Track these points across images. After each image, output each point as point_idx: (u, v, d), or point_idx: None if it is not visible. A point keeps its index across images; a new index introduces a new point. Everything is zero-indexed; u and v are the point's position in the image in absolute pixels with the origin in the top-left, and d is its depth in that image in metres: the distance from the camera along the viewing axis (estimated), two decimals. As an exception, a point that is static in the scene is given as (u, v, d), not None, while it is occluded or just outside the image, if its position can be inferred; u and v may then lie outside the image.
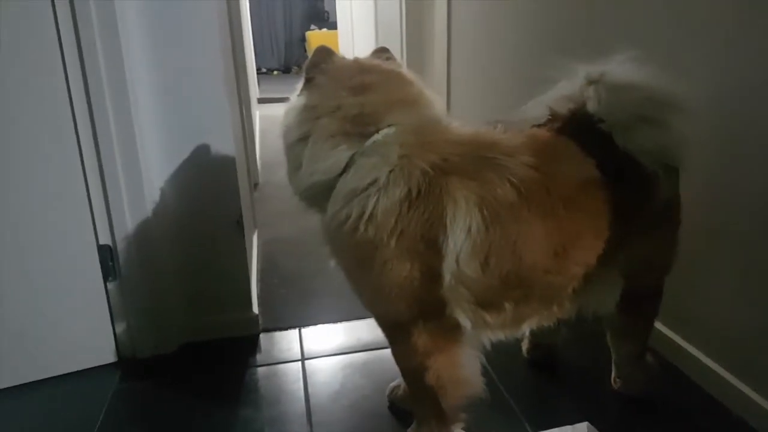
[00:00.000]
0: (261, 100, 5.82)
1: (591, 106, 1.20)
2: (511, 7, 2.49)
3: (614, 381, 1.50)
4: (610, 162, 1.16)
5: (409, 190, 1.07)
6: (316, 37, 8.75)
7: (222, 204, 1.72)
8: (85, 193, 1.55)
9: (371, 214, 1.08)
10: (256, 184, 3.40)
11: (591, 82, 1.21)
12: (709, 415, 1.43)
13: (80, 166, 1.53)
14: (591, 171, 1.15)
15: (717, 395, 1.46)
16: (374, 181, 1.09)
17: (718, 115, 1.37)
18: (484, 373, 1.25)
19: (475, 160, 1.10)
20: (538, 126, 1.29)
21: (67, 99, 1.47)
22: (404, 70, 1.28)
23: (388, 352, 1.28)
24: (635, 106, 1.17)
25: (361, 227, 1.08)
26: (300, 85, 1.24)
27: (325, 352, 1.75)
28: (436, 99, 1.25)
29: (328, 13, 9.68)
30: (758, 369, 1.37)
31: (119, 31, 1.46)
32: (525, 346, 1.66)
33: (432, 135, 1.15)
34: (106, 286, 1.65)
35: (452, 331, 1.16)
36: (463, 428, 1.27)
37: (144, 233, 1.62)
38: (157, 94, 1.58)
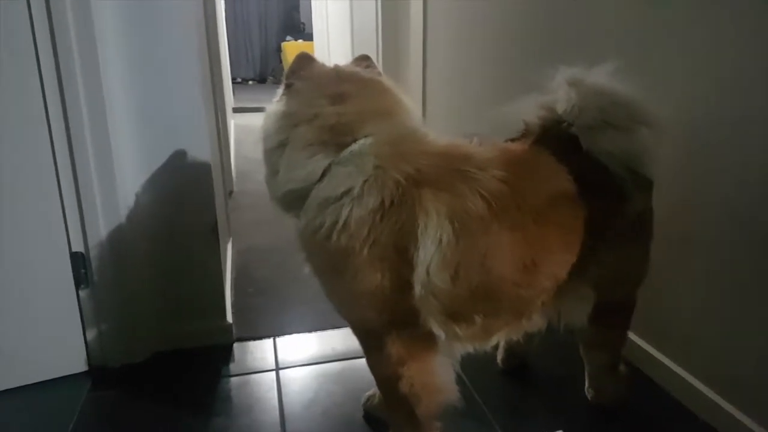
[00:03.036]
0: (236, 110, 5.79)
1: (560, 108, 1.23)
2: (488, 16, 2.53)
3: (587, 391, 1.52)
4: (583, 176, 1.18)
5: (383, 200, 1.07)
6: (291, 48, 8.76)
7: (197, 211, 1.71)
8: (58, 200, 1.53)
9: (345, 223, 1.08)
10: (230, 193, 3.38)
11: (570, 85, 1.23)
12: (678, 423, 1.46)
13: (53, 172, 1.51)
14: (562, 185, 1.17)
15: (686, 402, 1.49)
16: (348, 191, 1.09)
17: (689, 126, 1.41)
18: (458, 381, 1.25)
19: (448, 172, 1.11)
20: (512, 139, 1.31)
21: (41, 101, 1.46)
22: (383, 78, 1.28)
23: (363, 362, 1.28)
24: (600, 110, 1.19)
25: (334, 236, 1.09)
26: (280, 90, 1.25)
27: (300, 361, 1.74)
28: (413, 109, 1.26)
29: (304, 24, 9.70)
30: (726, 377, 1.40)
31: (95, 34, 1.45)
32: (499, 355, 1.67)
33: (407, 146, 1.15)
34: (77, 294, 1.62)
35: (426, 339, 1.16)
36: (437, 437, 1.28)
37: (117, 240, 1.60)
38: (133, 99, 1.57)
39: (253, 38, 9.87)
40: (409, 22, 3.45)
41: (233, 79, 7.67)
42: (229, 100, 5.23)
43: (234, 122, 5.04)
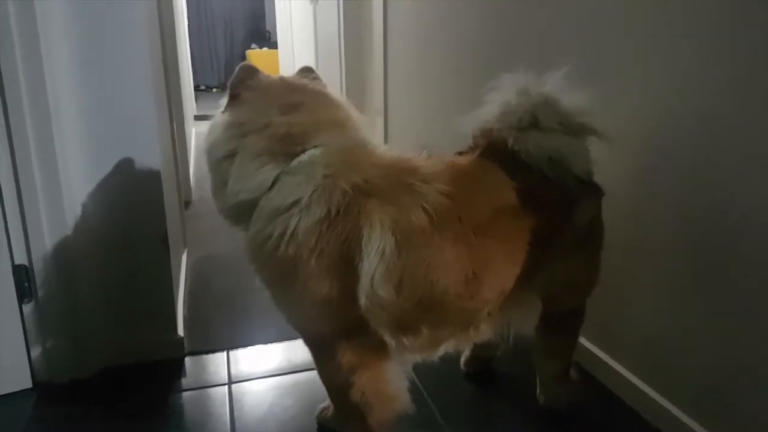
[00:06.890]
0: (198, 117, 5.70)
1: (489, 113, 1.26)
2: (449, 26, 2.53)
3: (539, 396, 1.52)
4: (529, 188, 1.19)
5: (329, 210, 1.08)
6: (256, 56, 8.70)
7: (146, 221, 1.67)
8: (-1, 209, 1.47)
9: (292, 234, 1.08)
10: (188, 203, 3.32)
11: (497, 89, 1.27)
12: (629, 427, 1.47)
13: (-6, 180, 1.45)
14: (506, 198, 1.18)
15: (639, 409, 1.51)
16: (297, 201, 1.09)
17: (637, 133, 1.43)
18: (412, 388, 1.25)
19: (394, 185, 1.12)
20: (461, 153, 1.32)
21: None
22: (331, 91, 1.29)
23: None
24: (524, 112, 1.22)
25: (282, 246, 1.09)
26: (224, 101, 1.23)
27: (255, 374, 1.71)
28: (362, 122, 1.26)
29: (269, 33, 9.64)
30: (677, 384, 1.41)
31: (39, 34, 1.39)
32: (463, 358, 1.67)
33: (357, 156, 1.16)
34: (21, 308, 1.56)
35: (376, 347, 1.16)
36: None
37: (63, 252, 1.55)
38: (80, 103, 1.51)
39: (218, 46, 9.77)
40: (372, 32, 3.46)
41: (197, 87, 7.59)
42: (191, 107, 5.16)
43: (195, 130, 4.96)
